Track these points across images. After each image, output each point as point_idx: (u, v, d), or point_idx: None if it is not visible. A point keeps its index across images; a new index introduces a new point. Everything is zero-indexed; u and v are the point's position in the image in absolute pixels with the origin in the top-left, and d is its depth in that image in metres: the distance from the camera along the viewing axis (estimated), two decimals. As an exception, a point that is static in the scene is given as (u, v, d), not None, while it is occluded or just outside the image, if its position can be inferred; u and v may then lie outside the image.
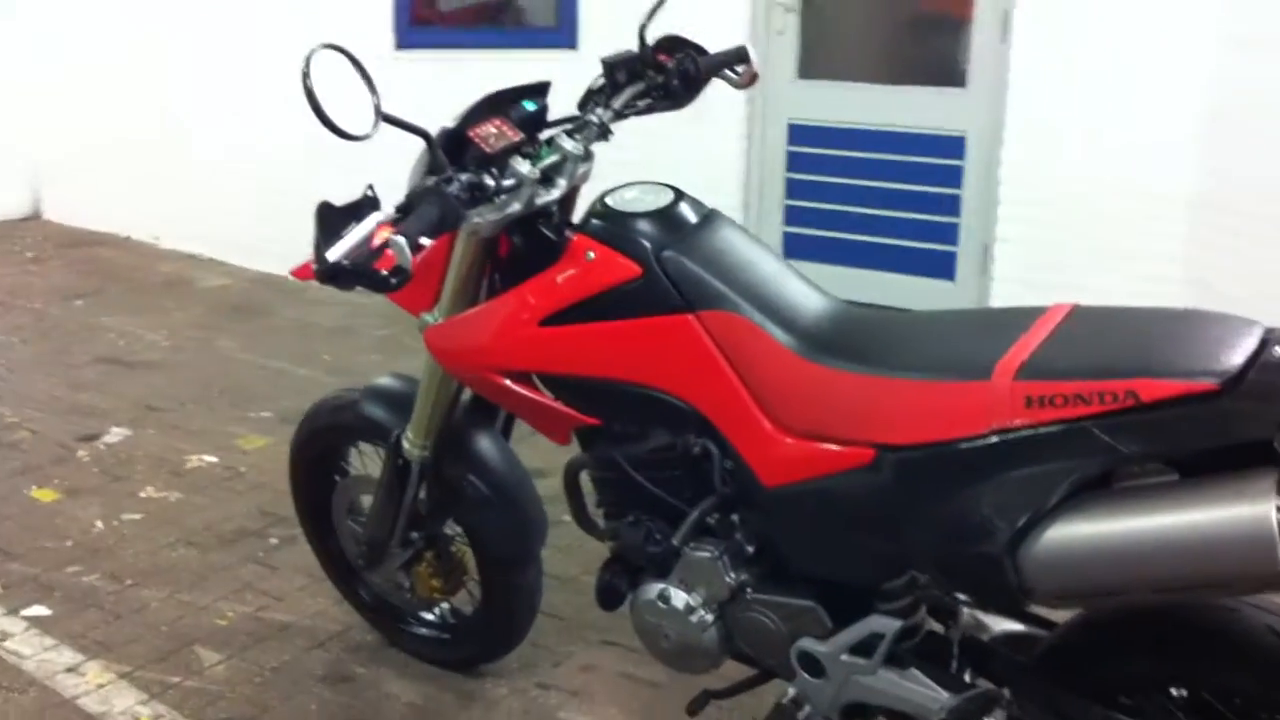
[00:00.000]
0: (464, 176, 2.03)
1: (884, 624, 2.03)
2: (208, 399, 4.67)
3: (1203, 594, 1.73)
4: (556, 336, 2.13)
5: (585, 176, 2.32)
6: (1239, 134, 4.21)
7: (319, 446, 2.86)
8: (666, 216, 2.11)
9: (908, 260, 5.21)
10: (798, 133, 5.42)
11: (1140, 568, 1.68)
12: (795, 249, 5.40)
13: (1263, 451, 1.62)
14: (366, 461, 2.90)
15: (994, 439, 1.78)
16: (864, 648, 2.06)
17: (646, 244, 2.07)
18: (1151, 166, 4.46)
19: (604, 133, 2.31)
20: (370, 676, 2.93)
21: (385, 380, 2.73)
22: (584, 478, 2.33)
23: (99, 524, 3.68)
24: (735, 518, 2.16)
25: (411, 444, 2.56)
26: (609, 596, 2.35)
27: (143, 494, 3.88)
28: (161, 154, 7.08)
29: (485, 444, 2.61)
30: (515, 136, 2.19)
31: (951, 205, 5.08)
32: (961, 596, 2.06)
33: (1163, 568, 1.66)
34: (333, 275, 1.93)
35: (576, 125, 2.28)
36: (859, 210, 5.29)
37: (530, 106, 2.27)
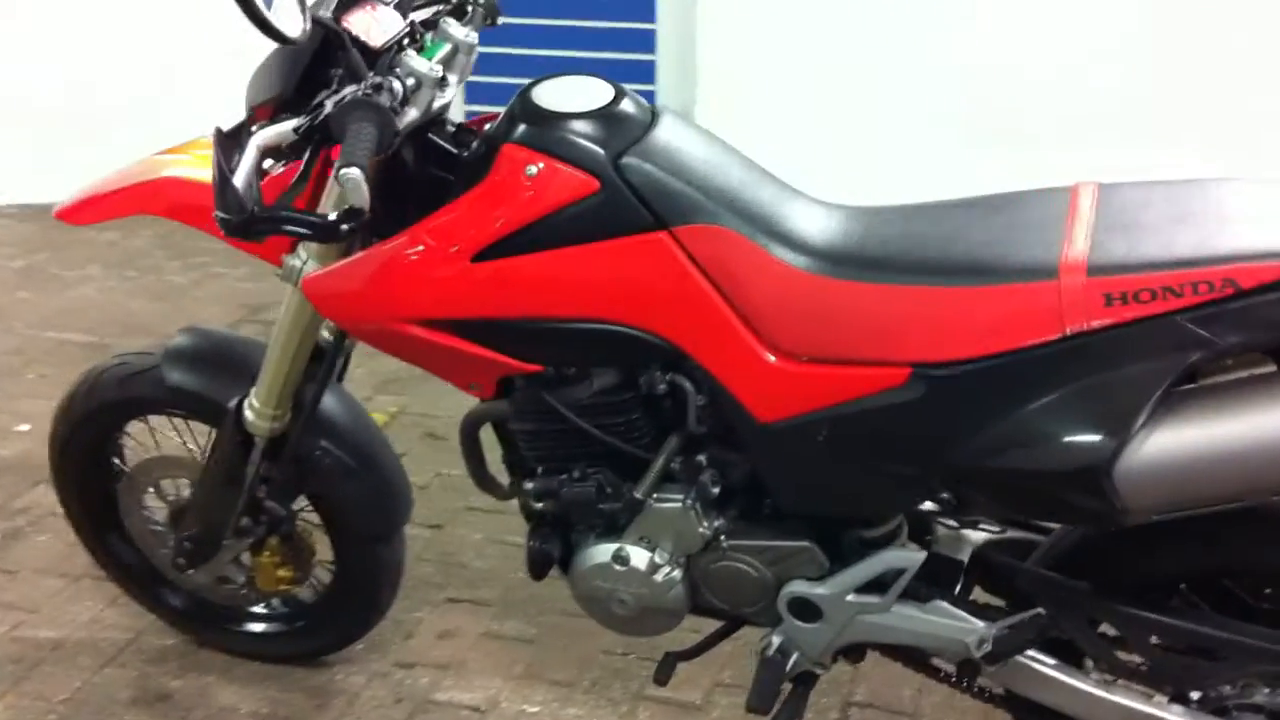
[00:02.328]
0: (392, 82, 1.61)
1: (904, 558, 1.83)
2: None
3: None
4: (495, 273, 1.74)
5: (468, 72, 1.91)
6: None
7: (98, 429, 2.31)
8: (616, 116, 1.75)
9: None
10: None
11: (1258, 470, 1.54)
12: (481, 101, 5.02)
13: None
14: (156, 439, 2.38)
15: (1068, 345, 1.59)
16: (874, 584, 1.86)
17: (601, 151, 1.71)
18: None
19: (490, 14, 1.91)
20: (191, 689, 2.45)
21: (187, 339, 2.22)
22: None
23: None
24: (702, 459, 1.88)
25: (259, 414, 2.08)
26: (542, 564, 2.01)
27: None
28: None
29: (333, 403, 2.18)
30: (397, 25, 1.76)
31: (646, 74, 4.84)
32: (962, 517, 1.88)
33: None
34: (248, 226, 1.47)
35: (457, 6, 1.87)
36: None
37: None
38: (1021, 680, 1.88)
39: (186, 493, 2.30)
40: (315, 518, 2.31)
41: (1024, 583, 1.84)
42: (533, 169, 1.71)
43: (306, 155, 1.63)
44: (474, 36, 1.86)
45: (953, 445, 1.67)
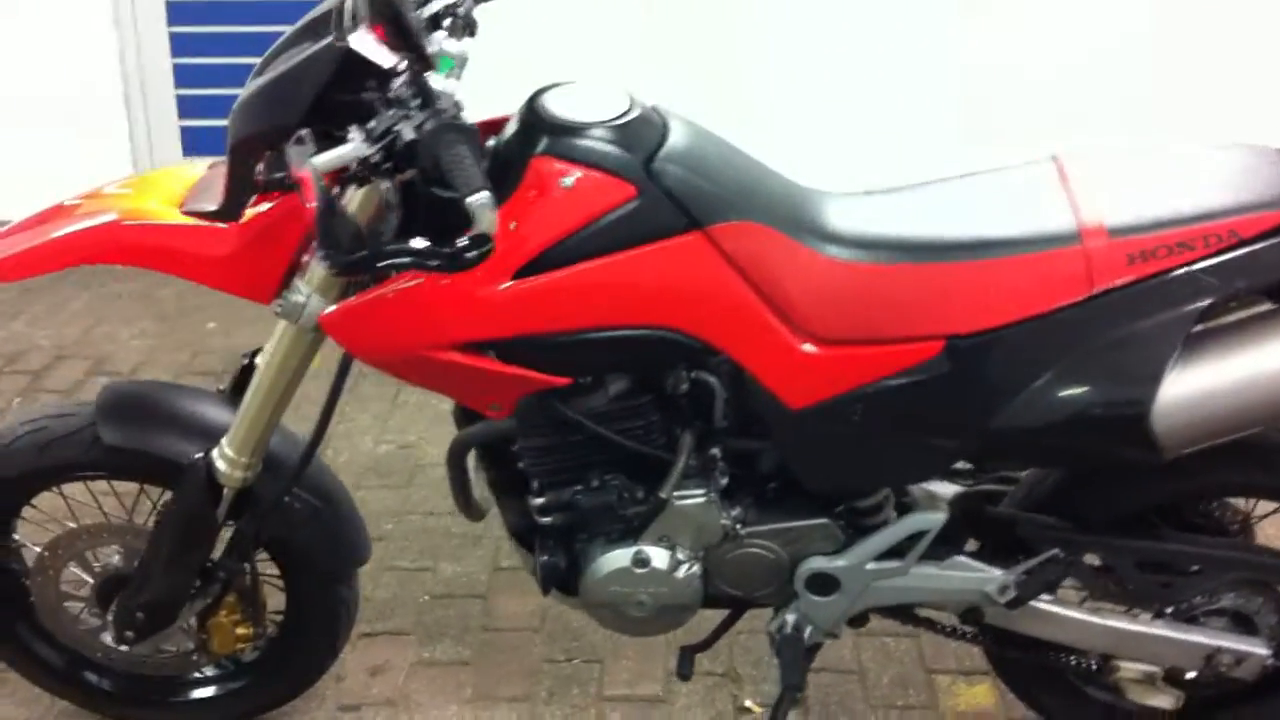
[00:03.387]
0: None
1: (927, 520, 1.92)
2: None
3: None
4: (538, 288, 1.70)
5: None
6: None
7: (5, 506, 2.09)
8: (637, 121, 1.75)
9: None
10: (178, 11, 4.72)
11: (1277, 397, 1.73)
12: (197, 145, 4.77)
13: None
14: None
15: (1096, 303, 1.73)
16: (891, 550, 1.95)
17: (632, 157, 1.71)
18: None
19: (470, 26, 1.86)
20: (125, 773, 2.25)
21: (117, 393, 2.03)
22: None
23: None
24: (720, 451, 1.91)
25: (232, 464, 1.94)
26: (554, 579, 1.98)
27: None
28: None
29: (284, 443, 2.06)
30: (406, 45, 1.70)
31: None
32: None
33: None
34: (368, 261, 1.41)
35: (436, 17, 1.82)
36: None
37: None
38: (1021, 618, 2.02)
39: (116, 561, 2.11)
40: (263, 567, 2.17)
41: (1026, 530, 1.97)
42: (568, 180, 1.68)
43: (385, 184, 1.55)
44: (466, 50, 1.81)
45: (990, 408, 1.78)
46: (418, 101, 1.57)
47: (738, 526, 1.94)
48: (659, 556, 1.94)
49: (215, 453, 1.94)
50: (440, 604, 2.70)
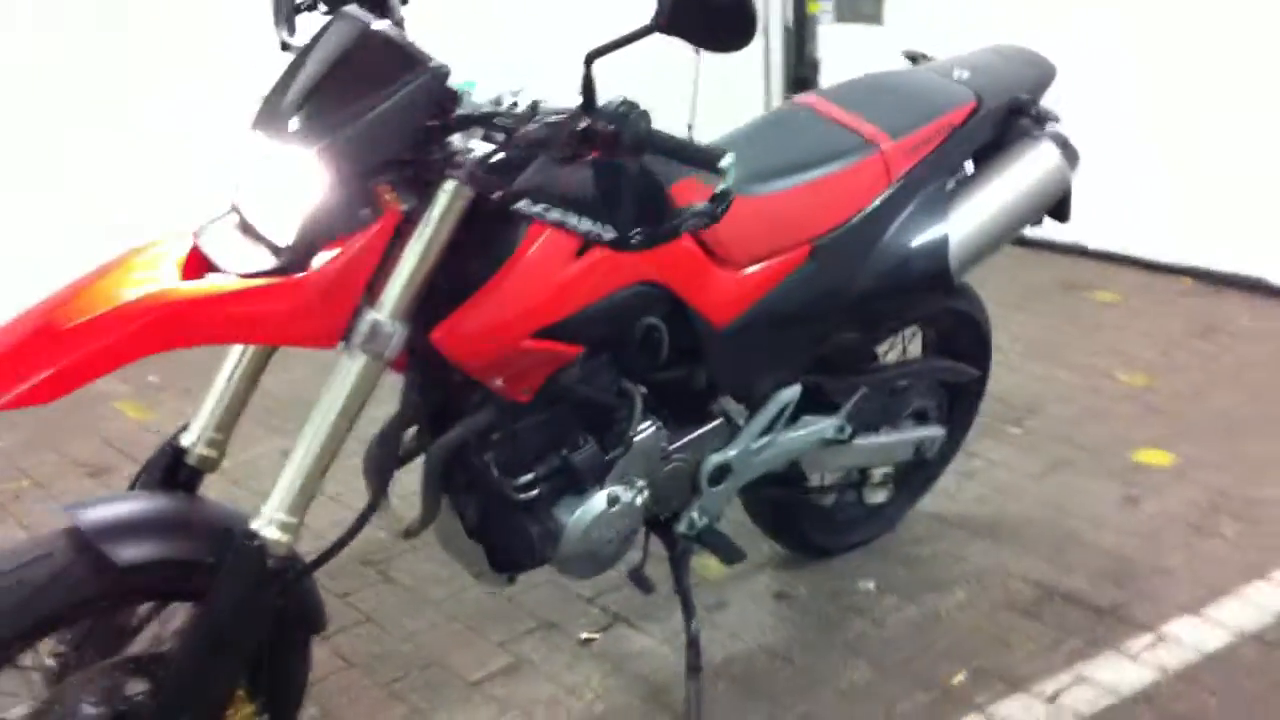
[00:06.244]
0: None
1: (789, 394, 2.42)
2: None
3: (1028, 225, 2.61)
4: (589, 265, 1.94)
5: None
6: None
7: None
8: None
9: None
10: None
11: (1009, 227, 2.54)
12: None
13: (999, 139, 2.57)
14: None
15: (893, 189, 2.40)
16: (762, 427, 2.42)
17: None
18: None
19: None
20: None
21: (101, 509, 1.78)
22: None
23: None
24: (651, 385, 2.24)
25: (284, 529, 1.80)
26: (546, 547, 2.16)
27: None
28: None
29: None
30: None
31: None
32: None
33: (1019, 219, 2.53)
34: (675, 230, 1.63)
35: None
36: None
37: None
38: (829, 455, 2.60)
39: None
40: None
41: (830, 386, 2.55)
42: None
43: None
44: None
45: (849, 288, 2.37)
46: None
47: (668, 447, 2.28)
48: (625, 493, 2.20)
49: (258, 523, 1.84)
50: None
